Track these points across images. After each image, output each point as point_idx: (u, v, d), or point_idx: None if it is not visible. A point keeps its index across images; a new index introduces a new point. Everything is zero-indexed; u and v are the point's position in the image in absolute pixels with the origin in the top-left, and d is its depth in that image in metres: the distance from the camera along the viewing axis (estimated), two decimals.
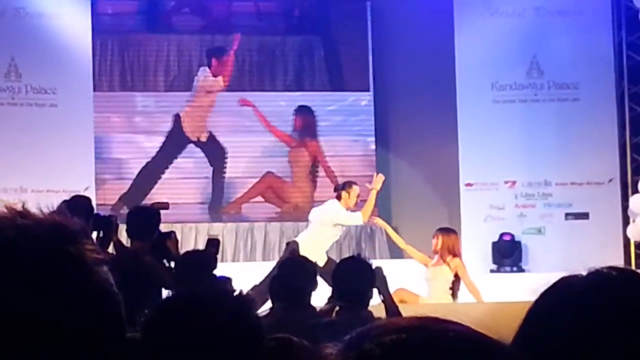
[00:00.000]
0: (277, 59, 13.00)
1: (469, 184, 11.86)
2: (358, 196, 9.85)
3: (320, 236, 9.56)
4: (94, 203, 8.60)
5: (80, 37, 11.95)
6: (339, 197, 9.81)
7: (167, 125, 12.75)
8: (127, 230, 7.00)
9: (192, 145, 12.76)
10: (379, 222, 10.37)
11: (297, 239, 9.75)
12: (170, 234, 6.95)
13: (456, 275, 9.30)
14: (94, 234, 6.92)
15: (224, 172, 12.71)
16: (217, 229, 12.05)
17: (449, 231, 9.64)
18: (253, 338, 2.09)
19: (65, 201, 7.40)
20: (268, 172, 12.79)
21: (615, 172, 11.82)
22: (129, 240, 7.10)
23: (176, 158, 12.67)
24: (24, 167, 11.33)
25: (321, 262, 8.72)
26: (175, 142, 12.68)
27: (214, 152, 12.72)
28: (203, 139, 12.75)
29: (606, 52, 11.92)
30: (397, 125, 13.07)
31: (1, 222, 1.08)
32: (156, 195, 12.34)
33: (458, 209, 11.88)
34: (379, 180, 10.15)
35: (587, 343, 1.32)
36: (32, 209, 1.13)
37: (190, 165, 12.75)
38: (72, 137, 11.64)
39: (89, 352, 1.05)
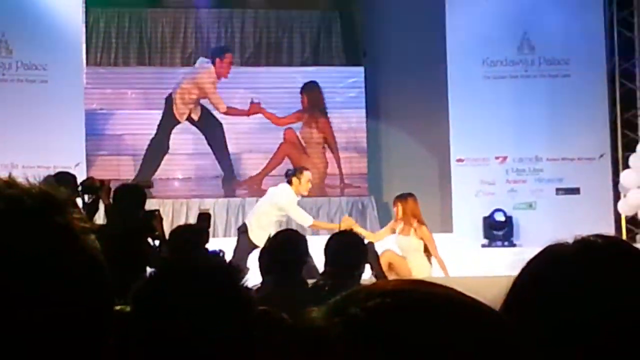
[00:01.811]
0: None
1: (459, 160, 11.86)
2: (309, 182, 9.70)
3: (266, 217, 9.43)
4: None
5: (71, 12, 11.88)
6: (289, 182, 9.62)
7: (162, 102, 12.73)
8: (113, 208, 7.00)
9: (187, 123, 12.70)
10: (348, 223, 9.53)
11: (246, 221, 9.74)
12: (155, 212, 6.94)
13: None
14: (85, 198, 6.97)
15: (226, 146, 12.63)
16: (208, 204, 12.02)
17: (406, 197, 9.59)
18: (242, 308, 2.10)
19: (50, 176, 7.40)
20: (287, 129, 12.73)
21: (606, 147, 11.82)
22: None
23: (169, 139, 12.59)
24: (15, 144, 11.30)
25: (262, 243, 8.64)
26: (167, 124, 12.63)
27: (210, 128, 12.65)
28: (195, 116, 12.67)
29: (597, 28, 11.89)
30: (388, 101, 13.05)
31: None
32: (165, 171, 12.37)
33: (449, 185, 11.89)
34: (345, 224, 9.31)
35: (572, 306, 1.33)
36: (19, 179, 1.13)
37: (192, 142, 12.67)
38: (63, 113, 11.60)
39: (77, 320, 1.05)
